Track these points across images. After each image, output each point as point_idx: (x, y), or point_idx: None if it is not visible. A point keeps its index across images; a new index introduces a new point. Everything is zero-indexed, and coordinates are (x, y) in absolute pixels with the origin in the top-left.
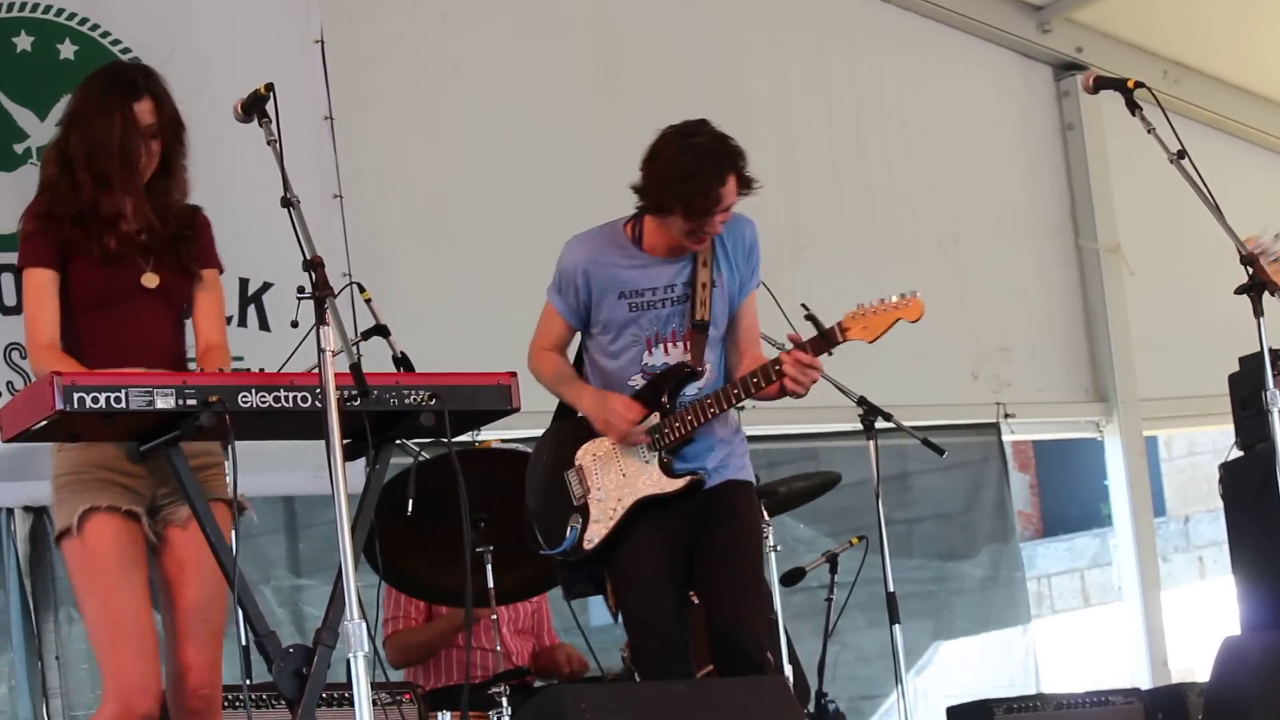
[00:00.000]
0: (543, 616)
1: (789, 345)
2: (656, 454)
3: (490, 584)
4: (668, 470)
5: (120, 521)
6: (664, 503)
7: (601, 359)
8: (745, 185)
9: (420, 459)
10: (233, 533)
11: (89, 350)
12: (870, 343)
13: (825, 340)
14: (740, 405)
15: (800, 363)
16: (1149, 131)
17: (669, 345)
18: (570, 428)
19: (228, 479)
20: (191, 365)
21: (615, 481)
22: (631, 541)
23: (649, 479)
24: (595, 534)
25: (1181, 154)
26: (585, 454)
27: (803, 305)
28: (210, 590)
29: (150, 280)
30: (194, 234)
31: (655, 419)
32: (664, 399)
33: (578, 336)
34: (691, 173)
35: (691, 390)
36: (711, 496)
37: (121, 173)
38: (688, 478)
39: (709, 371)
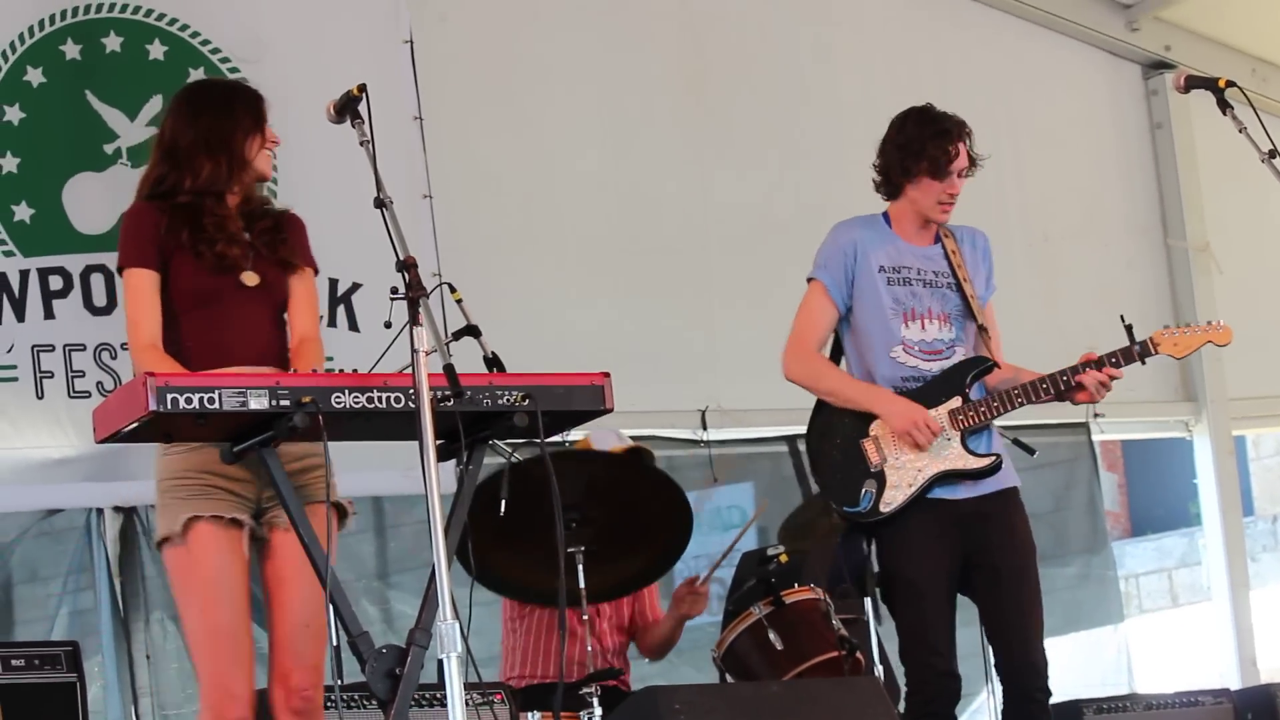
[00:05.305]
0: (644, 604)
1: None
2: (958, 433)
3: (581, 584)
4: (968, 449)
5: (223, 531)
6: (940, 507)
7: (857, 336)
8: (971, 161)
9: (514, 459)
10: (334, 535)
11: (191, 351)
12: (1179, 359)
13: (1140, 351)
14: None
15: (1102, 382)
16: (1240, 131)
17: (925, 321)
18: None
19: (333, 480)
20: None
21: (914, 453)
22: (911, 543)
23: (952, 454)
24: (893, 499)
25: (1273, 153)
26: (880, 426)
27: (1121, 317)
28: (313, 592)
29: (250, 279)
30: (290, 232)
31: (957, 402)
32: (967, 385)
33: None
34: (932, 133)
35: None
36: (990, 506)
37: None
38: (990, 457)
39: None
